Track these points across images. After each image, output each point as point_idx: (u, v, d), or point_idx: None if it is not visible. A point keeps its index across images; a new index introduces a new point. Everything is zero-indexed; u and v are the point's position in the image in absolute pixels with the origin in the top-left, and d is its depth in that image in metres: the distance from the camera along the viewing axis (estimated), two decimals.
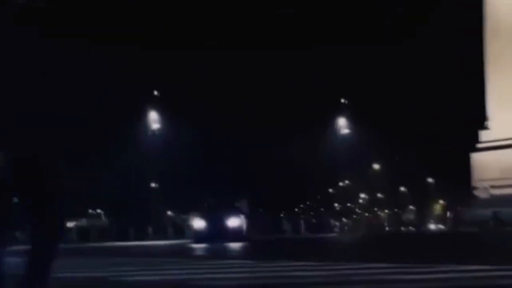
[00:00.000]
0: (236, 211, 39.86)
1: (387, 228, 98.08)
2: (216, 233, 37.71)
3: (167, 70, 73.52)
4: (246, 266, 14.56)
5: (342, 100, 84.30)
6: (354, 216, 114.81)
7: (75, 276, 12.62)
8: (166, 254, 24.16)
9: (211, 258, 20.71)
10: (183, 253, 25.06)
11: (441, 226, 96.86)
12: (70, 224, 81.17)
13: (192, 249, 28.77)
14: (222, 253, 23.90)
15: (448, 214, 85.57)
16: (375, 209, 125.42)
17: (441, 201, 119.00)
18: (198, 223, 39.88)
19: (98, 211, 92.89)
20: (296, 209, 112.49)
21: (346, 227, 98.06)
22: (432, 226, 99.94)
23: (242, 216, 39.50)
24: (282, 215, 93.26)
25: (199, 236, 38.80)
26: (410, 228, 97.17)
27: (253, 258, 18.16)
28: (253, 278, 11.12)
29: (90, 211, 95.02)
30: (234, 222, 38.77)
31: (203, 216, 39.75)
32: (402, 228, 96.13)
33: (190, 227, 48.57)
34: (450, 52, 77.89)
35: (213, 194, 43.70)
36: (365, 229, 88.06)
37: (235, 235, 37.59)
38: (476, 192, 66.66)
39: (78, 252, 26.01)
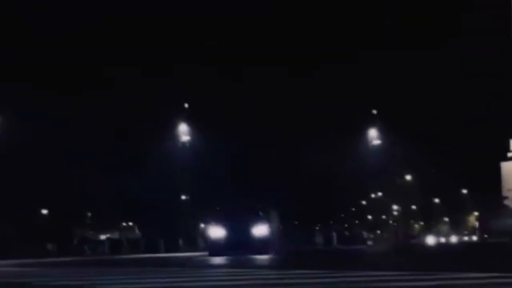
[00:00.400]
0: (262, 218, 33.68)
1: (417, 239, 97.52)
2: (238, 243, 32.04)
3: (195, 82, 73.56)
4: (245, 274, 14.33)
5: (374, 111, 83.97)
6: (388, 228, 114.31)
7: (54, 284, 12.65)
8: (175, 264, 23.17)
9: (212, 267, 19.84)
10: (187, 263, 23.41)
11: (474, 238, 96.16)
12: (102, 237, 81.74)
13: (204, 260, 25.61)
14: (232, 263, 21.79)
15: (477, 224, 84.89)
16: (411, 221, 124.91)
17: (475, 213, 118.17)
18: (216, 232, 33.22)
19: (130, 223, 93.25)
20: (331, 222, 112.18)
21: (379, 239, 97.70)
22: (430, 239, 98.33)
23: (269, 225, 33.69)
24: (317, 227, 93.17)
25: (216, 247, 32.70)
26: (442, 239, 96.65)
27: (261, 268, 17.95)
28: (246, 286, 10.96)
29: (123, 224, 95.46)
30: (260, 230, 32.77)
31: (222, 223, 33.19)
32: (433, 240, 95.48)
33: (205, 236, 39.10)
34: (482, 63, 77.31)
35: (240, 204, 36.59)
36: (394, 240, 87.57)
37: (262, 246, 31.94)
38: (506, 202, 65.98)
39: (89, 264, 25.88)
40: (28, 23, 63.30)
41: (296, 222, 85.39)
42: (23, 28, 63.70)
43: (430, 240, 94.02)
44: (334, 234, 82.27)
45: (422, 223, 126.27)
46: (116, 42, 68.25)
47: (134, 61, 69.15)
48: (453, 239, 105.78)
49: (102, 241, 75.24)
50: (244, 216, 33.45)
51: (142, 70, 68.57)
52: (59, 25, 63.75)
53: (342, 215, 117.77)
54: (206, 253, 36.15)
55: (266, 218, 34.25)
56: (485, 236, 64.82)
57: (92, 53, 67.02)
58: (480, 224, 73.59)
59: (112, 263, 24.94)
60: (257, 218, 33.53)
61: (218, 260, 25.58)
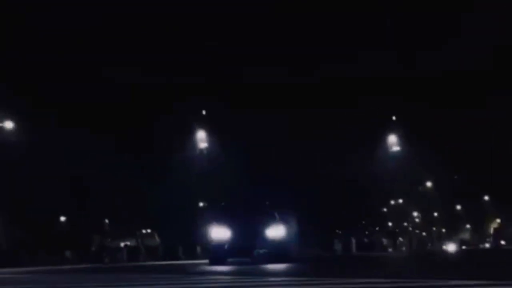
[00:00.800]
0: (277, 219, 27.54)
1: (437, 246, 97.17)
2: (247, 247, 26.74)
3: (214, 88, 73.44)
4: (237, 282, 13.97)
5: (393, 118, 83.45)
6: (408, 235, 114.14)
7: None
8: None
9: (216, 274, 18.73)
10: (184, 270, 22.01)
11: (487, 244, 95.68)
12: (122, 244, 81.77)
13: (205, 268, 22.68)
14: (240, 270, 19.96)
15: (492, 231, 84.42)
16: (433, 228, 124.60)
17: (497, 220, 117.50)
18: (219, 233, 27.09)
19: (149, 230, 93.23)
20: (350, 228, 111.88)
21: (400, 246, 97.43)
22: (451, 246, 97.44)
23: (286, 227, 27.96)
24: (336, 234, 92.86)
25: (218, 252, 26.85)
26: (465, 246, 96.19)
27: (274, 275, 17.64)
28: None
29: (143, 231, 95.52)
30: (276, 232, 26.99)
31: (227, 222, 27.12)
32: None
33: (205, 239, 30.66)
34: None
35: (250, 200, 30.42)
36: (408, 247, 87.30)
37: (277, 251, 26.54)
38: None
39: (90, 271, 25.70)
40: (28, 23, 63.36)
41: (314, 228, 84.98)
42: (23, 28, 63.75)
43: (451, 247, 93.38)
44: (353, 240, 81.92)
45: (443, 230, 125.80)
46: (116, 42, 68.15)
47: (134, 61, 69.09)
48: (473, 245, 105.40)
49: (121, 248, 75.27)
50: (255, 215, 27.62)
51: (142, 70, 68.48)
52: (59, 25, 63.72)
53: (362, 221, 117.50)
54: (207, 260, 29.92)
55: (282, 219, 28.24)
56: (502, 242, 64.27)
57: (92, 53, 66.93)
58: (496, 231, 73.09)
59: (114, 271, 24.70)
60: (271, 218, 27.62)
61: (221, 267, 22.77)
